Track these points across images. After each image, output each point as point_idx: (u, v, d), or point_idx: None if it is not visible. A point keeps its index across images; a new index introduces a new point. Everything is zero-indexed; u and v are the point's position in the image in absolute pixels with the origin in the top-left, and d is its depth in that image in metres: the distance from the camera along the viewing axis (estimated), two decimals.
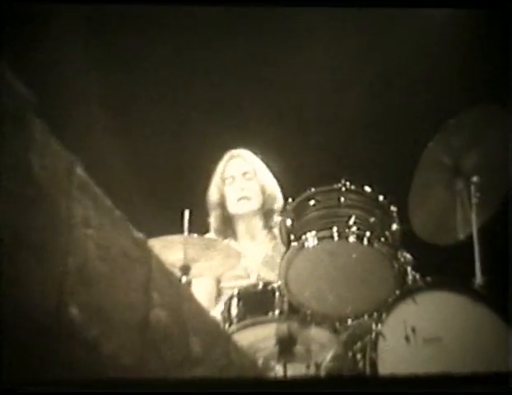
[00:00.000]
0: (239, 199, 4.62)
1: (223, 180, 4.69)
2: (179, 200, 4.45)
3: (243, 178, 4.67)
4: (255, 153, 4.76)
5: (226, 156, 4.76)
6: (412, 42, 5.38)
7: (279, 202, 4.60)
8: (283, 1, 4.94)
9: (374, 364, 3.16)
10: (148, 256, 1.79)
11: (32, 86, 1.55)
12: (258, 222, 4.65)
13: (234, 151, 4.78)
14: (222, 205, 4.68)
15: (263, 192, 4.65)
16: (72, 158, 1.59)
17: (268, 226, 4.59)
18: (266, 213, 4.62)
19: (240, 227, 4.66)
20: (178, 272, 3.78)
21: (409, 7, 5.08)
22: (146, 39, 5.42)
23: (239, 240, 4.64)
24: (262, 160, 4.76)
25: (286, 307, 3.51)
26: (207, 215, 4.72)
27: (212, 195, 4.71)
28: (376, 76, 5.45)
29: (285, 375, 3.47)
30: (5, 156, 1.44)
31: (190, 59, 5.52)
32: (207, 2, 5.05)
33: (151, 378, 1.68)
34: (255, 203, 4.63)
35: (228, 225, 4.66)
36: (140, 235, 1.77)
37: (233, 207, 4.65)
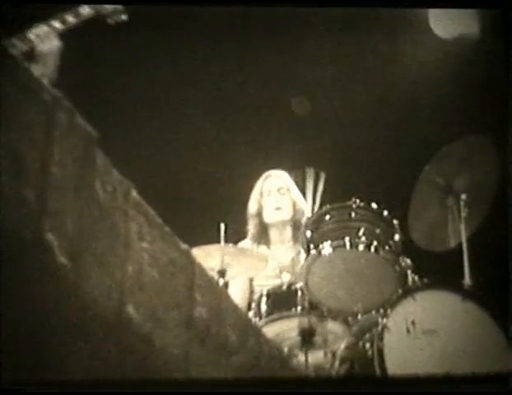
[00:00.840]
0: (274, 209, 4.60)
1: (261, 194, 4.66)
2: (218, 214, 4.43)
3: (278, 192, 4.64)
4: (290, 173, 4.74)
5: (265, 175, 4.74)
6: (415, 72, 5.28)
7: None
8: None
9: (380, 353, 3.14)
10: (191, 263, 1.79)
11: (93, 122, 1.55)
12: (289, 232, 4.60)
13: (272, 171, 4.75)
14: (259, 215, 4.64)
15: (294, 206, 4.62)
16: (129, 183, 1.60)
17: (296, 237, 4.55)
18: (295, 225, 4.58)
19: (273, 234, 4.61)
20: (216, 275, 3.78)
21: (409, 7, 4.85)
22: (197, 55, 5.16)
23: (272, 246, 4.61)
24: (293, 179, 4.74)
25: (306, 304, 3.50)
26: (243, 225, 4.70)
27: (251, 206, 4.67)
28: (381, 108, 5.39)
29: (306, 361, 3.46)
30: (73, 182, 1.44)
31: (234, 81, 5.36)
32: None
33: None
34: (286, 214, 4.58)
35: (263, 233, 4.63)
36: (185, 246, 1.77)
37: (268, 216, 4.61)
